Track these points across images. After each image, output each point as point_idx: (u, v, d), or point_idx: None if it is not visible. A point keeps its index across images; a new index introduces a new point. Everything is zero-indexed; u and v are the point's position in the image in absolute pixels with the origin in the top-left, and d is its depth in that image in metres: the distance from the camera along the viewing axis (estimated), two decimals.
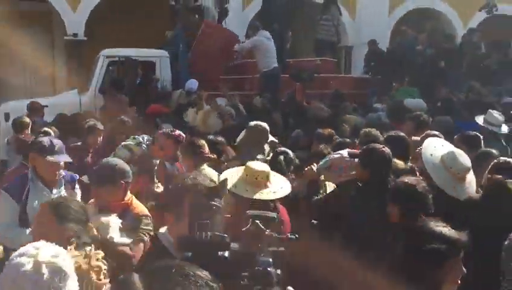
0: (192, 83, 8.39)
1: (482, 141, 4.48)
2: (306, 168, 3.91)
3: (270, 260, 1.45)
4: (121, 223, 2.62)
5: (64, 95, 9.56)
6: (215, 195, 1.67)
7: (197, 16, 9.47)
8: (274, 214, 1.64)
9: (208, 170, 3.71)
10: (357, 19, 13.15)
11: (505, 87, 9.08)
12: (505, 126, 5.43)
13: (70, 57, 12.12)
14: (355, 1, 13.13)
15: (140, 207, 2.98)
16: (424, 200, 2.84)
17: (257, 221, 1.53)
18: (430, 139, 3.70)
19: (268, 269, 1.45)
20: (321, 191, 3.94)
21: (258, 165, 3.14)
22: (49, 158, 3.29)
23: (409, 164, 3.97)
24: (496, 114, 5.43)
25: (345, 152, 3.76)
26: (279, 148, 4.31)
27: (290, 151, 4.14)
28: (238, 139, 4.85)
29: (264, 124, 4.96)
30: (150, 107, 5.91)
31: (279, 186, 3.05)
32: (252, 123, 4.91)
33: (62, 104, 8.14)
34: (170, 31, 10.10)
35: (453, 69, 10.02)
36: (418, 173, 3.62)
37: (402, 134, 4.12)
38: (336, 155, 3.79)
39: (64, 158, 3.41)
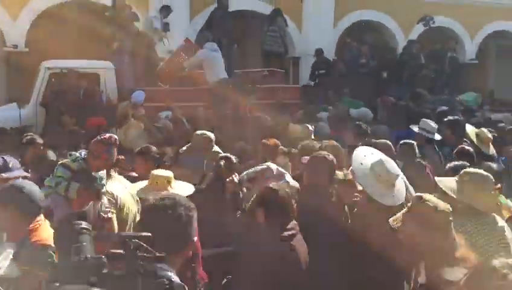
0: (139, 95, 8.28)
1: (417, 148, 4.69)
2: (227, 180, 3.91)
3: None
4: (15, 253, 2.39)
5: (4, 108, 9.18)
6: (81, 218, 1.59)
7: (135, 25, 9.42)
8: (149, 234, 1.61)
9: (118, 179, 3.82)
10: (304, 30, 13.40)
11: (439, 97, 9.54)
12: (438, 135, 5.71)
13: (10, 68, 11.65)
14: (301, 13, 13.39)
15: (43, 236, 2.64)
16: (284, 205, 3.02)
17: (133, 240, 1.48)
18: (360, 148, 3.82)
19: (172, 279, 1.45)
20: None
21: (160, 172, 3.52)
22: (4, 175, 3.26)
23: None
24: (430, 122, 5.70)
25: (271, 164, 3.81)
26: (222, 154, 4.34)
27: (232, 157, 4.14)
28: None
29: (209, 133, 4.97)
30: (89, 121, 5.77)
31: (180, 191, 3.16)
32: (198, 132, 4.94)
33: (1, 118, 7.82)
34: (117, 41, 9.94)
35: (395, 79, 10.44)
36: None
37: (336, 144, 4.23)
38: (261, 167, 3.83)
39: (19, 173, 3.36)
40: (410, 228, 2.45)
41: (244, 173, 3.89)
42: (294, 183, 3.70)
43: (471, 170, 3.30)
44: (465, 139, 5.36)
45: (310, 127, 6.10)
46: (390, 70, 10.65)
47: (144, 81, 9.56)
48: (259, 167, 3.78)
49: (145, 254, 1.42)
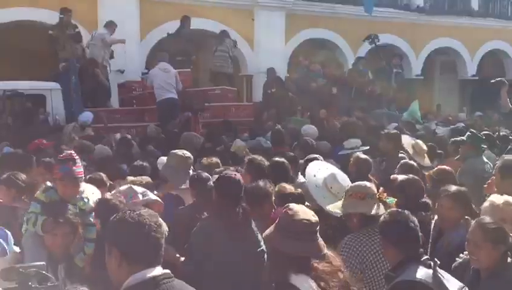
0: (87, 116, 8.13)
1: None
2: None
3: None
4: None
5: None
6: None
7: (78, 45, 9.28)
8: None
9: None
10: (256, 49, 13.58)
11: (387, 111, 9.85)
12: (364, 148, 5.92)
13: None
14: (253, 31, 13.58)
15: None
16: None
17: None
18: (314, 162, 3.91)
19: None
20: None
21: None
22: None
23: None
24: (352, 139, 5.93)
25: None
26: None
27: None
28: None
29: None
30: (31, 143, 5.59)
31: None
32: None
33: None
34: (63, 63, 9.75)
35: (344, 96, 10.73)
36: None
37: (282, 159, 4.30)
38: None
39: None
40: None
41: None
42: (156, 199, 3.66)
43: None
44: (401, 151, 5.55)
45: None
46: (339, 87, 10.94)
47: (94, 101, 9.43)
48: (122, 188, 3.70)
49: (37, 285, 1.38)
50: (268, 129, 8.15)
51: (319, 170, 3.91)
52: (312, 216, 2.48)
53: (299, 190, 3.78)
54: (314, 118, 9.52)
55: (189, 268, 3.14)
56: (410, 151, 5.53)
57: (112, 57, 10.16)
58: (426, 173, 4.62)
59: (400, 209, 2.97)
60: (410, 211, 2.90)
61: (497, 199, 3.22)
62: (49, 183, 3.56)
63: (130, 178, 4.21)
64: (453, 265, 3.03)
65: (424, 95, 15.23)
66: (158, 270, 1.91)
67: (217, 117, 9.38)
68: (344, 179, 3.74)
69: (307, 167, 4.11)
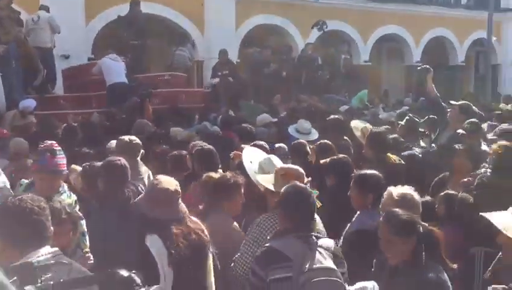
0: (29, 103, 7.80)
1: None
2: None
3: None
4: None
5: None
6: None
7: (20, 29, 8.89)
8: None
9: None
10: (206, 34, 13.44)
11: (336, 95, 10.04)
12: (315, 133, 6.03)
13: None
14: (203, 17, 13.42)
15: None
16: None
17: None
18: (248, 149, 3.96)
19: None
20: None
21: None
22: None
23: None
24: (305, 123, 6.01)
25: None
26: None
27: None
28: None
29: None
30: None
31: None
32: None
33: None
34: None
35: (294, 81, 10.84)
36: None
37: (208, 147, 4.37)
38: None
39: None
40: None
41: None
42: None
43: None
44: (345, 137, 5.66)
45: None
46: (290, 72, 11.04)
47: (38, 87, 9.07)
48: None
49: None
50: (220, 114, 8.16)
51: (254, 155, 3.93)
52: (175, 186, 2.89)
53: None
54: (266, 103, 9.60)
55: None
56: (359, 134, 5.65)
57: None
58: (311, 146, 4.85)
59: (298, 183, 3.00)
60: (344, 189, 2.98)
61: (394, 190, 3.13)
62: (25, 181, 3.40)
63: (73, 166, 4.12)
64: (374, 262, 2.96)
65: (372, 81, 15.61)
66: (45, 250, 1.97)
67: (167, 103, 9.25)
68: (279, 162, 3.77)
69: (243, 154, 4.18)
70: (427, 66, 7.13)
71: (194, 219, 2.98)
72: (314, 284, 2.53)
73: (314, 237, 2.72)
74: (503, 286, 2.28)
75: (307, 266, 2.57)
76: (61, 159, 3.25)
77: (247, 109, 8.88)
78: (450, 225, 3.60)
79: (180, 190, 2.94)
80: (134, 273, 1.67)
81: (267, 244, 2.72)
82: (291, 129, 6.21)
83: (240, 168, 3.91)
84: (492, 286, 2.33)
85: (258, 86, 10.75)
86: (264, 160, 3.62)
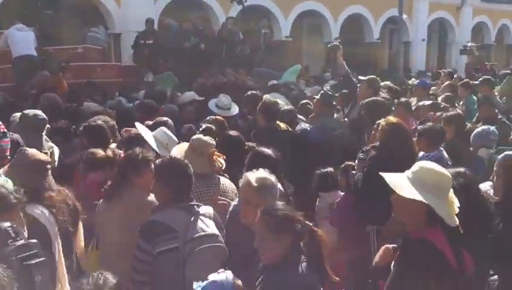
0: None
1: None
2: None
3: None
4: None
5: None
6: None
7: None
8: None
9: None
10: (123, 6, 12.86)
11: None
12: (235, 108, 6.06)
13: None
14: None
15: None
16: None
17: None
18: (139, 125, 3.95)
19: None
20: None
21: None
22: None
23: None
24: (224, 98, 6.02)
25: None
26: None
27: None
28: None
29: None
30: None
31: None
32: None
33: None
34: None
35: (215, 55, 10.74)
36: None
37: (97, 123, 4.29)
38: None
39: None
40: None
41: None
42: None
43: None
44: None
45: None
46: (210, 47, 10.92)
47: None
48: None
49: None
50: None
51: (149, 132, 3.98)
52: (44, 157, 3.09)
53: (110, 154, 3.83)
54: (186, 77, 9.42)
55: None
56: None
57: None
58: None
59: (174, 156, 3.12)
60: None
61: (251, 176, 2.83)
62: None
63: None
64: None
65: (293, 57, 15.85)
66: None
67: (80, 78, 8.81)
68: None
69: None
70: (337, 43, 7.40)
71: (60, 187, 3.12)
72: (199, 252, 2.61)
73: (195, 206, 2.78)
74: (393, 245, 2.44)
75: (191, 235, 2.64)
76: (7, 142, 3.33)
77: (162, 82, 8.69)
78: (348, 194, 3.89)
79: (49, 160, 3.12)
80: (10, 226, 1.63)
81: (149, 218, 2.73)
82: (211, 104, 6.18)
83: (127, 143, 3.89)
84: (385, 245, 2.49)
85: (177, 60, 10.51)
86: (157, 133, 3.67)
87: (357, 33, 18.78)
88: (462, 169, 2.84)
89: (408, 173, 2.36)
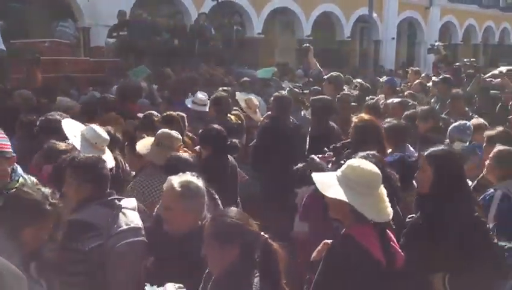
0: None
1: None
2: None
3: None
4: None
5: None
6: None
7: None
8: None
9: None
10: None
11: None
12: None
13: None
14: None
15: None
16: None
17: None
18: (65, 121, 3.89)
19: None
20: None
21: None
22: None
23: None
24: (200, 94, 6.01)
25: None
26: None
27: None
28: None
29: None
30: None
31: None
32: None
33: None
34: None
35: (188, 50, 10.67)
36: None
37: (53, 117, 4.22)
38: None
39: None
40: None
41: None
42: None
43: None
44: (235, 108, 5.77)
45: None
46: (183, 41, 10.83)
47: None
48: None
49: None
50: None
51: (75, 128, 3.86)
52: None
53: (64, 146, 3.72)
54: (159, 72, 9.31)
55: None
56: (243, 105, 5.76)
57: None
58: None
59: (94, 156, 3.00)
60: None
61: (175, 180, 2.68)
62: None
63: None
64: None
65: (266, 54, 15.91)
66: None
67: (48, 72, 8.58)
68: (103, 133, 3.71)
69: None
70: (307, 45, 7.51)
71: None
72: (123, 246, 2.58)
73: (116, 200, 2.76)
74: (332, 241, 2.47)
75: (114, 229, 2.61)
76: (5, 138, 2.89)
77: (135, 75, 8.58)
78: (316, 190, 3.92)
79: None
80: None
81: (71, 218, 2.66)
82: (188, 101, 6.14)
83: None
84: (325, 241, 2.52)
85: (150, 54, 10.37)
86: (85, 130, 3.59)
87: (328, 31, 18.98)
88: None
89: (338, 171, 2.41)
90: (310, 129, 5.24)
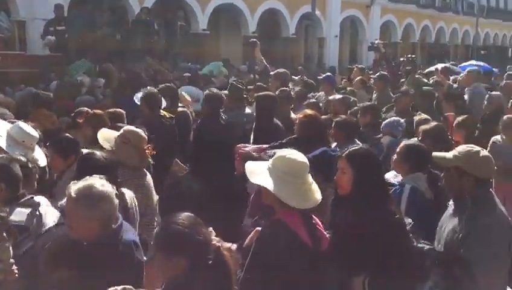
0: None
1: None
2: None
3: None
4: None
5: None
6: None
7: None
8: None
9: None
10: None
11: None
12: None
13: None
14: None
15: None
16: None
17: None
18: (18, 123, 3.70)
19: None
20: None
21: None
22: None
23: None
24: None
25: None
26: None
27: None
28: None
29: None
30: None
31: None
32: None
33: None
34: None
35: (130, 45, 10.41)
36: None
37: None
38: None
39: None
40: None
41: None
42: None
43: None
44: (180, 104, 5.70)
45: None
46: (125, 36, 10.58)
47: None
48: None
49: None
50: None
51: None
52: None
53: None
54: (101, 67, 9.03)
55: None
56: (189, 99, 5.70)
57: None
58: None
59: (5, 156, 2.97)
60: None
61: (73, 187, 2.54)
62: None
63: None
64: None
65: (211, 50, 15.81)
66: None
67: None
68: (30, 128, 3.61)
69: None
70: (254, 40, 7.52)
71: None
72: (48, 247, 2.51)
73: (34, 199, 2.76)
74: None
75: (41, 228, 2.62)
76: None
77: (73, 70, 8.30)
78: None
79: None
80: None
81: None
82: (136, 96, 5.95)
83: None
84: (257, 228, 2.54)
85: (91, 49, 10.03)
86: (12, 129, 3.44)
87: (274, 28, 19.12)
88: None
89: (270, 161, 2.51)
90: (254, 125, 5.23)
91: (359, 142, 4.47)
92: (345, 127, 4.38)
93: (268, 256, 2.26)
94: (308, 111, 4.34)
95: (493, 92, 7.10)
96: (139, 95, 5.84)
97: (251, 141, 5.01)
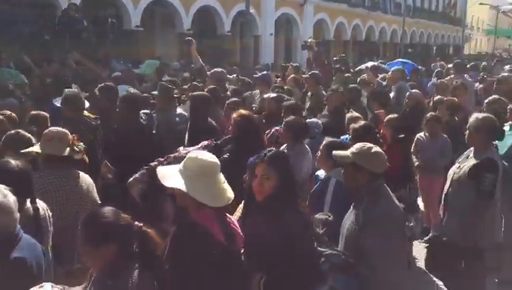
0: None
1: None
2: None
3: None
4: None
5: None
6: None
7: None
8: None
9: None
10: None
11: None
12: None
13: None
14: None
15: None
16: None
17: None
18: None
19: None
20: None
21: None
22: None
23: None
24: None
25: None
26: None
27: None
28: None
29: None
30: None
31: None
32: None
33: None
34: None
35: (57, 43, 9.98)
36: None
37: None
38: None
39: None
40: None
41: None
42: None
43: None
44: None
45: None
46: (52, 33, 10.10)
47: None
48: None
49: None
50: None
51: None
52: None
53: None
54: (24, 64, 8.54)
55: None
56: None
57: None
58: None
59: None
60: None
61: None
62: None
63: None
64: None
65: (145, 47, 15.48)
66: None
67: None
68: None
69: None
70: (190, 38, 7.43)
71: None
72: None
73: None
74: None
75: None
76: None
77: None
78: None
79: None
80: None
81: None
82: (57, 100, 5.70)
83: None
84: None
85: (12, 47, 9.46)
86: None
87: (209, 25, 19.02)
88: None
89: (181, 164, 2.52)
90: (188, 126, 5.16)
91: (306, 146, 4.53)
92: (293, 128, 4.39)
93: (184, 257, 2.27)
94: (243, 111, 4.33)
95: (413, 90, 7.50)
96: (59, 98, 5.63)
97: (185, 142, 4.95)
